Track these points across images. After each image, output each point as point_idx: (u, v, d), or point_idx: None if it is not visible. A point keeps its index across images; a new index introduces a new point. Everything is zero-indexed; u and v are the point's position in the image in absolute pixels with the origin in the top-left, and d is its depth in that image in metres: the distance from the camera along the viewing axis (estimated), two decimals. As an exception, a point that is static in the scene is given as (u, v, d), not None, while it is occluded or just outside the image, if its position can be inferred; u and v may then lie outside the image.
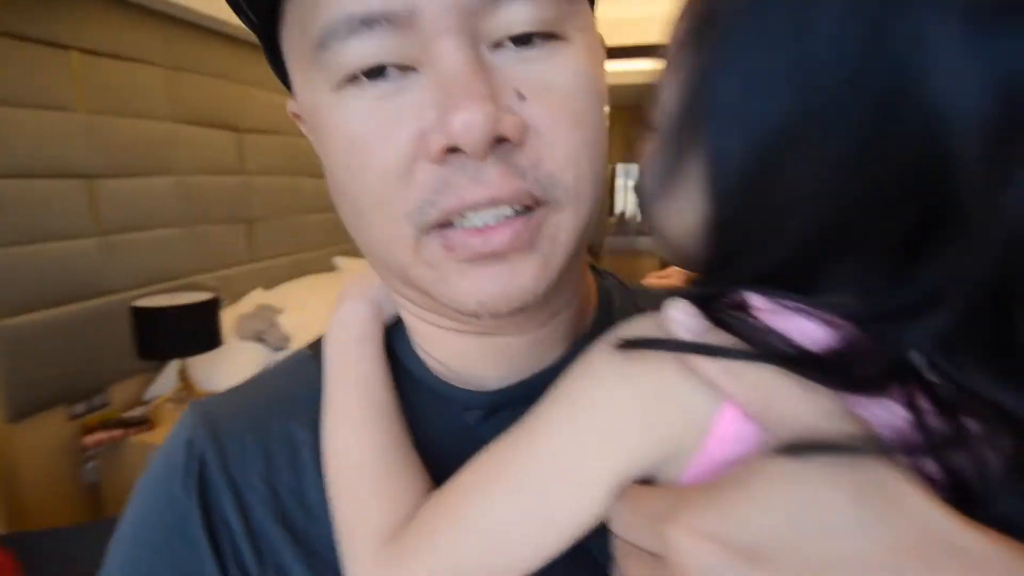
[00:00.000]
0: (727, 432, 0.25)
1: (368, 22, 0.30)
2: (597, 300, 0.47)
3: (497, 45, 0.32)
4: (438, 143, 0.30)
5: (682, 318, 0.26)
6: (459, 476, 0.32)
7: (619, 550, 0.27)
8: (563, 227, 0.34)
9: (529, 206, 0.33)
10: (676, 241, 0.30)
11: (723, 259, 0.27)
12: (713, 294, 0.26)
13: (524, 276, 0.33)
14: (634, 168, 7.09)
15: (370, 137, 0.32)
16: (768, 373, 0.23)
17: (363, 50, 0.31)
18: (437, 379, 0.42)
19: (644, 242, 6.93)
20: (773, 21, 0.23)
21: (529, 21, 0.31)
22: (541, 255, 0.34)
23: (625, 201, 8.00)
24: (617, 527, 0.27)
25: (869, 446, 0.21)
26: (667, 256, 0.32)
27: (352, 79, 0.32)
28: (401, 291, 0.40)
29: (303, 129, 0.40)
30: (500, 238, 0.32)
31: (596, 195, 0.35)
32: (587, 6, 0.36)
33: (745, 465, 0.22)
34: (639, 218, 7.27)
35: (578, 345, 0.43)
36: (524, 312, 0.34)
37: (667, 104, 0.28)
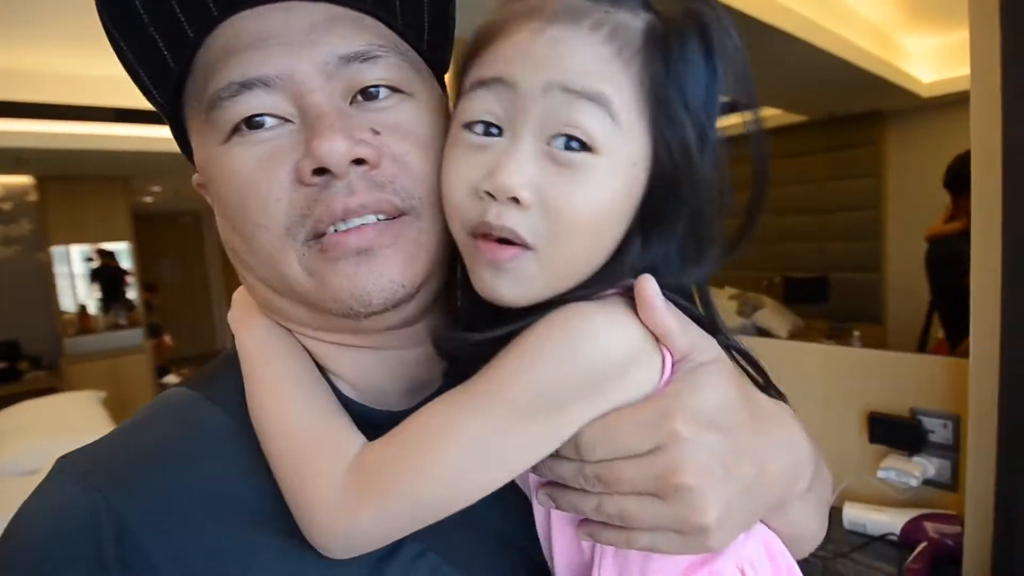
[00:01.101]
0: (667, 370, 0.37)
1: (247, 85, 0.39)
2: None
3: (354, 99, 0.42)
4: (309, 166, 0.38)
5: (656, 290, 0.36)
6: (415, 420, 0.36)
7: (601, 469, 0.36)
8: (424, 230, 0.42)
9: (392, 216, 0.41)
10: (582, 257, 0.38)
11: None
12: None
13: (391, 268, 0.40)
14: (77, 251, 5.41)
15: (255, 172, 0.40)
16: (694, 329, 0.39)
17: (241, 106, 0.39)
18: (342, 395, 0.45)
19: (122, 337, 5.50)
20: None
21: (377, 79, 0.42)
22: (405, 253, 0.41)
23: (75, 293, 5.60)
24: (605, 447, 0.36)
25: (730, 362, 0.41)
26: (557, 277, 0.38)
27: (236, 130, 0.40)
28: (291, 312, 0.44)
29: (207, 196, 0.46)
30: (368, 233, 0.40)
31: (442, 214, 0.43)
32: (430, 74, 0.48)
33: (689, 381, 0.37)
34: (106, 311, 5.66)
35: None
36: (397, 309, 0.42)
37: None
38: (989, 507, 1.14)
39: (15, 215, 5.28)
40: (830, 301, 3.66)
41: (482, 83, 0.38)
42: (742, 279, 3.56)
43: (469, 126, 0.39)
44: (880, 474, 1.37)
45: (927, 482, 1.36)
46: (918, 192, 3.36)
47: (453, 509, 0.36)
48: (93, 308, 5.73)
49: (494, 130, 0.38)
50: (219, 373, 0.47)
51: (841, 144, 3.62)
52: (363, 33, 0.42)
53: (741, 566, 0.39)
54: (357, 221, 0.39)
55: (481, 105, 0.38)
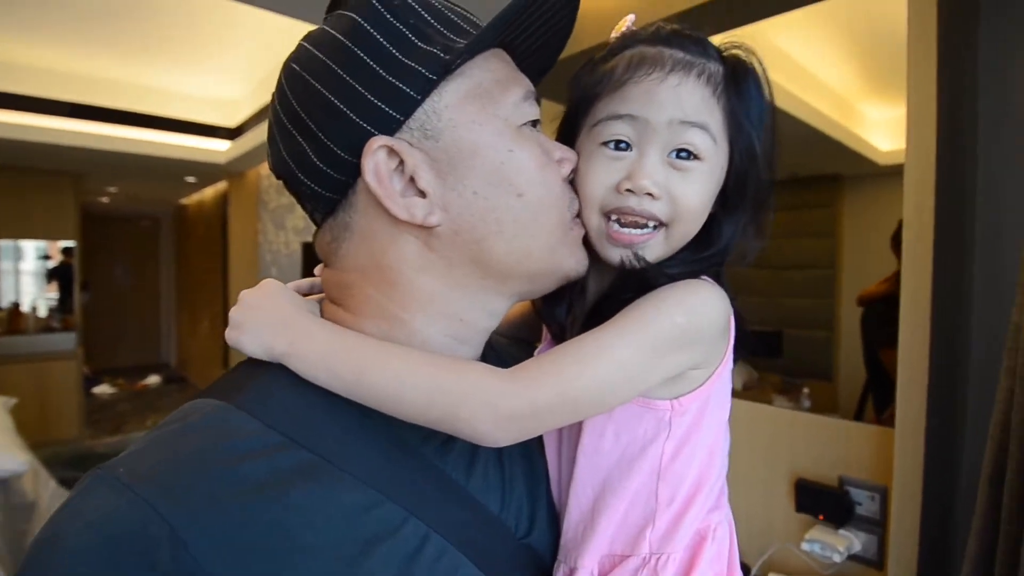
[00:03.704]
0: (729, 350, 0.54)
1: (536, 97, 0.53)
2: None
3: None
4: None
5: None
6: (573, 344, 0.46)
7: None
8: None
9: None
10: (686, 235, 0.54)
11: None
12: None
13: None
14: (25, 246, 5.20)
15: (552, 159, 0.52)
16: None
17: (535, 111, 0.52)
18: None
19: (54, 340, 5.18)
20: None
21: None
22: None
23: (17, 290, 5.32)
24: None
25: None
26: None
27: (528, 124, 0.51)
28: (490, 295, 0.52)
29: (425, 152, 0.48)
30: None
31: None
32: None
33: None
34: (40, 311, 5.38)
35: None
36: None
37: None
38: (909, 590, 1.09)
39: (-45, 205, 5.02)
40: (784, 356, 3.68)
41: (618, 116, 0.52)
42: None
43: (606, 143, 0.53)
44: (804, 546, 1.31)
45: (853, 557, 1.30)
46: (872, 255, 3.44)
47: (592, 414, 0.49)
48: (27, 307, 5.44)
49: (623, 145, 0.53)
50: (240, 382, 0.47)
51: (800, 204, 3.70)
52: None
53: (714, 526, 0.52)
54: None
55: (617, 130, 0.53)
